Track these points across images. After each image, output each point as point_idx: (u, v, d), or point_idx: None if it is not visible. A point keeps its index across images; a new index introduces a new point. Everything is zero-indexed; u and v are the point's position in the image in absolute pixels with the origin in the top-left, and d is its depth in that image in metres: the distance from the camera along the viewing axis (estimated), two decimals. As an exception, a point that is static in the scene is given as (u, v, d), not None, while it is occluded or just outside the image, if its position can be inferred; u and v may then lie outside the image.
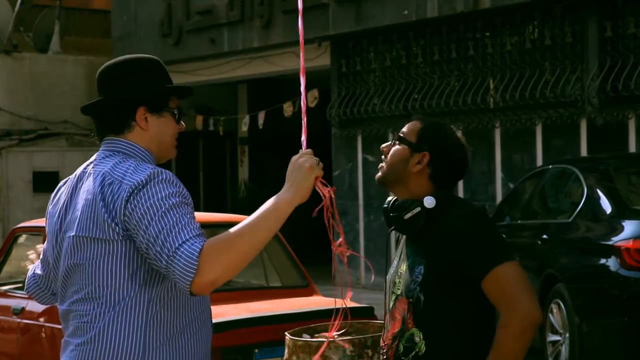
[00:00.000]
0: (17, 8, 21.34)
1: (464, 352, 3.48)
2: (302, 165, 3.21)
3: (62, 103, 20.16)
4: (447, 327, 3.48)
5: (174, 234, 3.08)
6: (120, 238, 3.19)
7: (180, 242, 3.07)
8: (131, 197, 3.15)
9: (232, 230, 3.12)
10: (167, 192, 3.15)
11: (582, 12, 13.12)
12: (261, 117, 18.19)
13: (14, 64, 20.80)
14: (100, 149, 3.38)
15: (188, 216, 3.13)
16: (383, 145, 3.67)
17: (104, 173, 3.25)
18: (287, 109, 17.69)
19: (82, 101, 18.51)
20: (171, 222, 3.10)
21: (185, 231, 3.09)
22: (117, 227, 3.18)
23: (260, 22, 17.17)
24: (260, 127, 18.23)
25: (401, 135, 3.62)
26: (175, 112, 3.41)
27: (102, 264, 3.22)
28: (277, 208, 3.18)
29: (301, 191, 3.22)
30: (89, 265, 3.24)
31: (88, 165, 3.37)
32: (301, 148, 3.33)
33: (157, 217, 3.11)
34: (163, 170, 3.22)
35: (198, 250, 3.05)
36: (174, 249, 3.07)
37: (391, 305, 3.61)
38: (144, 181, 3.17)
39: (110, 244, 3.20)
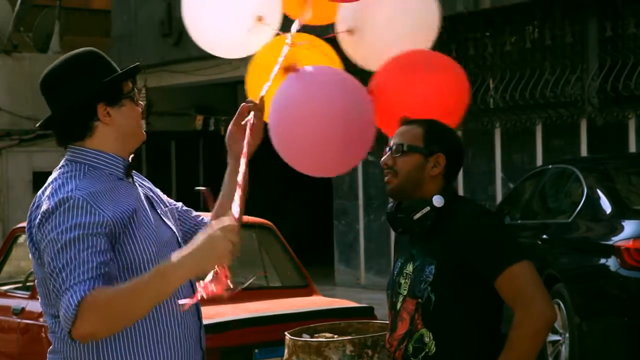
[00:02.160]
0: (17, 8, 21.33)
1: (474, 352, 3.48)
2: (216, 248, 2.89)
3: (62, 103, 20.10)
4: (457, 327, 3.48)
5: (63, 275, 2.99)
6: (38, 261, 3.17)
7: (66, 287, 2.98)
8: (40, 225, 3.10)
9: (118, 288, 2.97)
10: (70, 224, 3.04)
11: (582, 12, 13.12)
12: (261, 117, 18.18)
13: (14, 64, 20.80)
14: (66, 155, 3.30)
15: (84, 253, 3.00)
16: (383, 159, 3.63)
17: (38, 195, 3.21)
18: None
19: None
20: (62, 262, 3.00)
21: (74, 274, 2.98)
22: (35, 251, 3.16)
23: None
24: (261, 127, 18.22)
25: (409, 144, 3.60)
26: (132, 95, 3.28)
27: (39, 283, 3.21)
28: (165, 278, 2.93)
29: (198, 270, 2.93)
30: (37, 283, 3.24)
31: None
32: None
33: (53, 254, 3.03)
34: (76, 195, 3.09)
35: (77, 301, 2.94)
36: (61, 292, 2.99)
37: (398, 306, 3.60)
38: (52, 209, 3.08)
39: (36, 264, 3.19)
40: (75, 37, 23.03)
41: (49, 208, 3.08)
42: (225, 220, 2.95)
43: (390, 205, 3.69)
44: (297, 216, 20.58)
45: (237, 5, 4.03)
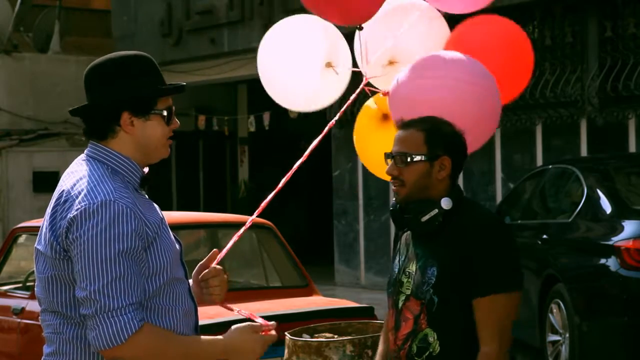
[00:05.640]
0: (17, 8, 21.33)
1: (477, 353, 3.48)
2: (254, 351, 3.26)
3: (62, 103, 20.12)
4: (461, 327, 3.48)
5: (108, 293, 3.02)
6: (61, 257, 3.13)
7: (114, 307, 3.02)
8: (74, 223, 3.07)
9: (176, 337, 3.14)
10: (114, 233, 3.04)
11: (582, 12, 13.12)
12: (266, 117, 18.19)
13: (14, 64, 20.79)
14: (85, 151, 3.30)
15: (128, 278, 3.05)
16: (389, 169, 3.62)
17: (64, 188, 3.16)
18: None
19: (82, 101, 18.38)
20: (107, 279, 3.03)
21: (121, 297, 3.03)
22: (57, 246, 3.12)
23: (261, 22, 17.17)
24: (267, 127, 18.24)
25: (412, 153, 3.57)
26: (165, 114, 3.28)
27: (50, 279, 3.17)
28: (207, 357, 3.20)
29: (230, 356, 3.24)
30: (41, 279, 3.21)
31: (67, 171, 3.29)
32: None
33: (95, 263, 3.04)
34: (119, 199, 3.10)
35: (139, 322, 3.03)
36: (105, 310, 3.02)
37: (400, 305, 3.60)
38: (92, 209, 3.07)
39: (54, 260, 3.15)
40: (75, 37, 23.04)
41: (88, 206, 3.07)
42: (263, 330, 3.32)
43: (394, 203, 3.68)
44: (297, 216, 20.57)
45: (307, 54, 4.43)
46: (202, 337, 3.23)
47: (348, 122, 16.55)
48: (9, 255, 8.49)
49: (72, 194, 3.13)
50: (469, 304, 3.46)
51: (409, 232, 3.67)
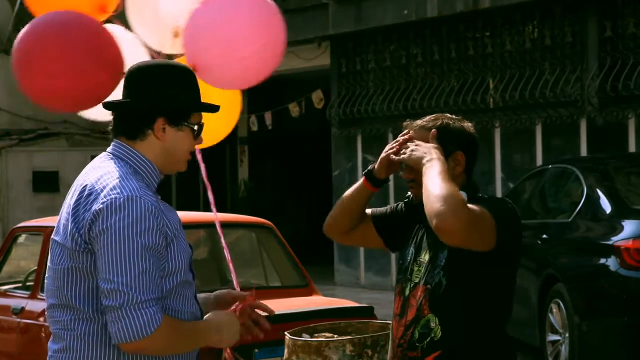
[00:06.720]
0: (17, 8, 21.33)
1: (480, 336, 3.49)
2: (234, 337, 3.44)
3: (62, 103, 20.11)
4: (465, 312, 3.50)
5: (135, 286, 3.06)
6: (82, 250, 3.15)
7: (141, 300, 3.06)
8: (100, 216, 3.11)
9: (185, 324, 3.21)
10: (141, 228, 3.09)
11: (582, 12, 13.12)
12: (268, 117, 18.19)
13: (14, 64, 20.79)
14: (108, 149, 3.34)
15: (152, 274, 3.09)
16: (404, 174, 3.63)
17: (88, 182, 3.21)
18: (294, 109, 17.70)
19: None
20: (134, 273, 3.07)
21: (147, 291, 3.07)
22: (79, 239, 3.15)
23: (260, 22, 17.15)
24: (270, 127, 18.23)
25: None
26: (196, 129, 3.34)
27: (66, 271, 3.19)
28: (206, 340, 3.32)
29: (220, 344, 3.40)
30: (56, 270, 3.22)
31: (89, 166, 3.33)
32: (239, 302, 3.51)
33: (123, 256, 3.07)
34: (144, 196, 3.15)
35: (159, 322, 3.07)
36: (132, 303, 3.05)
37: (407, 292, 3.61)
38: (119, 203, 3.11)
39: (73, 252, 3.17)
40: (75, 37, 23.03)
41: (115, 199, 3.11)
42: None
43: (408, 195, 3.69)
44: (297, 216, 20.57)
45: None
46: (198, 321, 3.31)
47: (348, 121, 16.59)
48: (9, 255, 8.49)
49: (97, 188, 3.17)
50: (476, 289, 3.48)
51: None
